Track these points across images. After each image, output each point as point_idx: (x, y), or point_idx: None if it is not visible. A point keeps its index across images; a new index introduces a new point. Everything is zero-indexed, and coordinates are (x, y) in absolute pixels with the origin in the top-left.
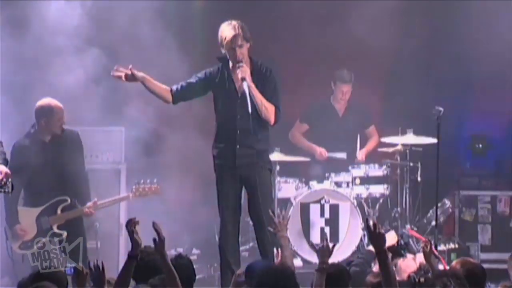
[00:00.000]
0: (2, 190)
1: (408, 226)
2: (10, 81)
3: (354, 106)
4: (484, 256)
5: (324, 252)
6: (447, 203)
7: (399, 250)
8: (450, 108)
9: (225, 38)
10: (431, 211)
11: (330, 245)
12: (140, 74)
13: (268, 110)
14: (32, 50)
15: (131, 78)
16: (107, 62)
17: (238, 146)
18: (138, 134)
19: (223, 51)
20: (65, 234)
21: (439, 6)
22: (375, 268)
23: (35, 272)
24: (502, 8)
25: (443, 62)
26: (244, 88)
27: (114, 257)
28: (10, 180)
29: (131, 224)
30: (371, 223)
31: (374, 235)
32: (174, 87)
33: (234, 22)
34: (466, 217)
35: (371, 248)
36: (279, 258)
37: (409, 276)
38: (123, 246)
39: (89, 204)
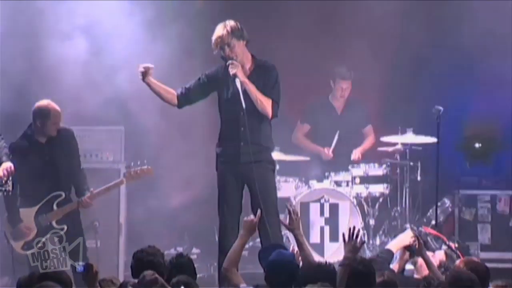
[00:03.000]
0: (2, 188)
1: (407, 225)
2: (10, 78)
3: (353, 104)
4: (483, 255)
5: (352, 247)
6: (447, 202)
7: (414, 249)
8: (450, 107)
9: (213, 38)
10: (431, 210)
11: (359, 242)
12: (149, 77)
13: (264, 103)
14: (37, 48)
15: (143, 76)
16: (109, 62)
17: (242, 143)
18: (138, 133)
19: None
20: (65, 228)
21: (440, 5)
22: (394, 266)
23: (36, 272)
24: (504, 7)
25: (443, 61)
26: (237, 85)
27: (114, 256)
28: (11, 178)
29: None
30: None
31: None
32: (179, 91)
33: (225, 22)
34: (466, 216)
35: (390, 247)
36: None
37: (428, 274)
38: (123, 246)
39: (87, 194)
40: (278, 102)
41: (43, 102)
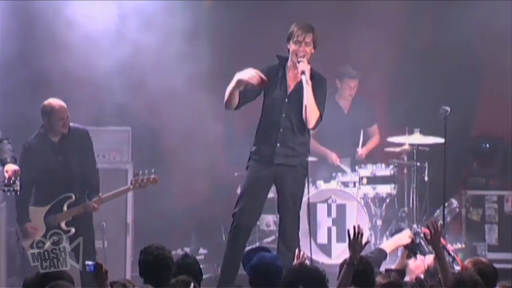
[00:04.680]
0: (11, 188)
1: (415, 226)
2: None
3: (359, 103)
4: (491, 255)
5: (357, 246)
6: (454, 202)
7: (414, 250)
8: (457, 107)
9: (297, 30)
10: (438, 211)
11: (363, 241)
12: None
13: (313, 111)
14: (42, 49)
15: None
16: (114, 63)
17: (278, 145)
18: (145, 133)
19: (288, 46)
20: (73, 230)
21: (445, 5)
22: (396, 264)
23: (44, 272)
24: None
25: (450, 61)
26: (302, 80)
27: (121, 256)
28: (18, 178)
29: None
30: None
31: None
32: None
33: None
34: (473, 217)
35: (383, 246)
36: (300, 259)
37: (417, 278)
38: (130, 246)
39: (94, 199)
40: (322, 117)
41: (48, 100)
